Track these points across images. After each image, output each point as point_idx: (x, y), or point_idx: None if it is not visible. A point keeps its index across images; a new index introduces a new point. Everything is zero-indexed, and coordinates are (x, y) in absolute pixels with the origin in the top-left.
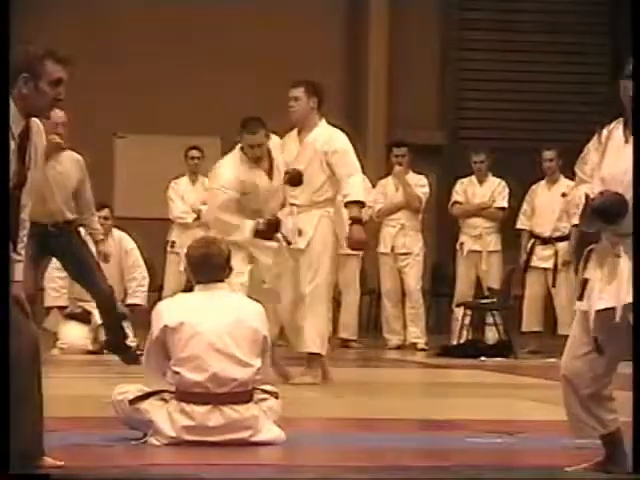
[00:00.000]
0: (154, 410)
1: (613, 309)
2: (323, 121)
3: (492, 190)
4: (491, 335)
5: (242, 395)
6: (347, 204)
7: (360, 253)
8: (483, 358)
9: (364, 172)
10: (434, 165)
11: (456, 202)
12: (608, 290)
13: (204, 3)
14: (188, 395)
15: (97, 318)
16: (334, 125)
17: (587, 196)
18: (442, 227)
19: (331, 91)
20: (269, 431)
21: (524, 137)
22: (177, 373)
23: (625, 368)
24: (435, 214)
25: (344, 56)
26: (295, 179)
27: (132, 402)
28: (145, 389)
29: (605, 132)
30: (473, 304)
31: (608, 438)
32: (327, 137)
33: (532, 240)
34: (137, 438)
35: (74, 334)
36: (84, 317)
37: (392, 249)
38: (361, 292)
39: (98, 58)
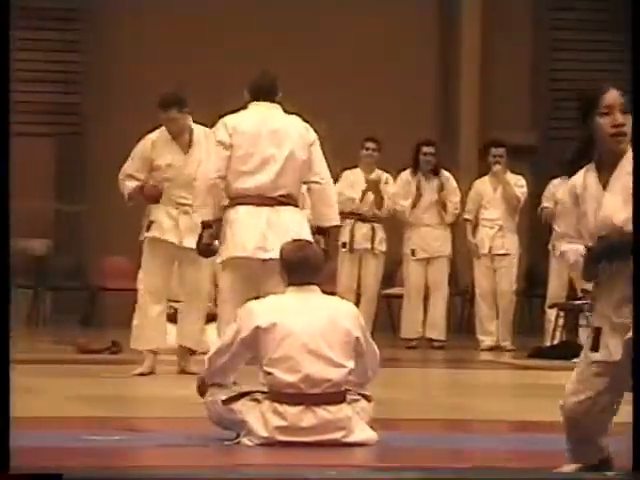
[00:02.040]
0: (247, 410)
1: None
2: None
3: None
4: (584, 337)
5: (335, 396)
6: None
7: (450, 254)
8: (576, 360)
9: (454, 173)
10: (527, 165)
11: (544, 207)
12: (621, 338)
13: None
14: (281, 395)
15: None
16: None
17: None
18: (534, 228)
19: (423, 93)
20: (362, 432)
21: None
22: (269, 374)
23: None
24: (527, 215)
25: (436, 56)
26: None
27: (225, 402)
28: (239, 389)
29: (578, 184)
30: (566, 305)
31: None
32: None
33: None
34: (230, 439)
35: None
36: (176, 317)
37: (490, 250)
38: (454, 293)
39: None
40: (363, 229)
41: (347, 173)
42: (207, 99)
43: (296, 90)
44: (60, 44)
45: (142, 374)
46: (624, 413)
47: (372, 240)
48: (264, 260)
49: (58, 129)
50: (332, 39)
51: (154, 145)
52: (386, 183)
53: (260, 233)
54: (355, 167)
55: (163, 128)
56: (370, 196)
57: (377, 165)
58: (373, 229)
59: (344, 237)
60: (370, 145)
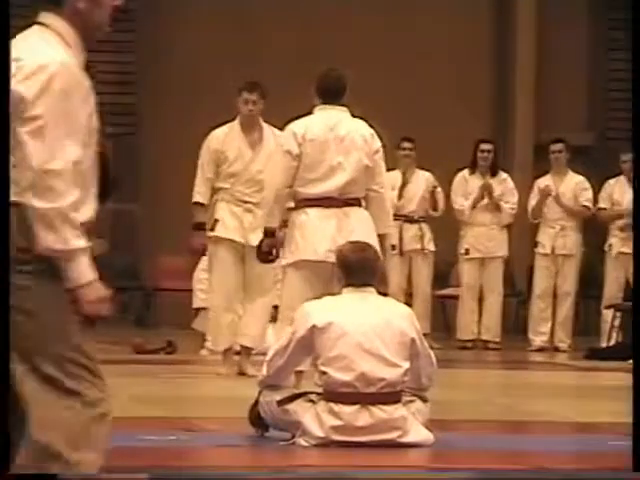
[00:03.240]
0: (302, 411)
1: None
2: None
3: None
4: None
5: (390, 396)
6: None
7: (505, 255)
8: (631, 361)
9: (512, 172)
10: (583, 166)
11: (600, 209)
12: None
13: (347, 4)
14: (336, 395)
15: None
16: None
17: None
18: (590, 228)
19: (478, 92)
20: (417, 432)
21: None
22: (324, 373)
23: None
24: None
25: (491, 57)
26: None
27: (280, 403)
28: (294, 390)
29: None
30: (623, 306)
31: None
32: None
33: None
34: (286, 439)
35: None
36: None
37: (552, 250)
38: (509, 294)
39: None
40: (411, 230)
41: (387, 175)
42: (272, 100)
43: (357, 90)
44: (115, 45)
45: (225, 374)
46: (624, 413)
47: (421, 240)
48: (333, 263)
49: (113, 129)
50: (390, 39)
51: (225, 137)
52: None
53: (330, 236)
54: (393, 169)
55: (234, 122)
56: (412, 196)
57: (416, 164)
58: (421, 229)
59: (393, 239)
60: (406, 145)
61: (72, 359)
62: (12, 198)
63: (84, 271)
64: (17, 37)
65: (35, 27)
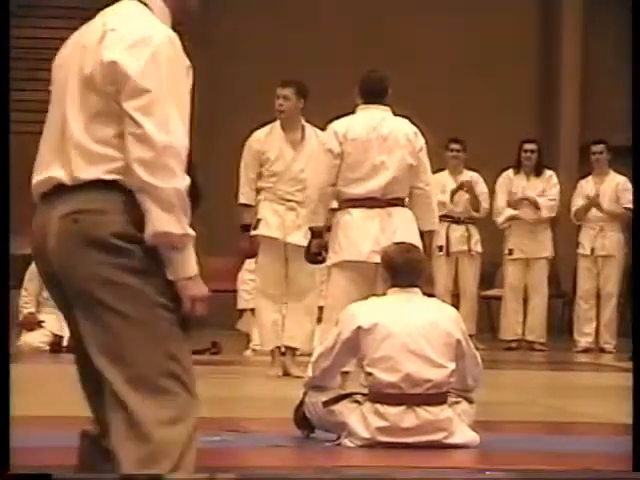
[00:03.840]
0: (348, 412)
1: None
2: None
3: None
4: None
5: (436, 397)
6: None
7: (550, 255)
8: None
9: (557, 172)
10: (628, 166)
11: None
12: None
13: (392, 4)
14: (382, 396)
15: None
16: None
17: None
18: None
19: (523, 92)
20: (463, 434)
21: None
22: (370, 374)
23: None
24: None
25: (538, 59)
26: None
27: (326, 404)
28: (339, 391)
29: None
30: None
31: None
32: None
33: None
34: (331, 439)
35: None
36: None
37: (592, 251)
38: (554, 294)
39: None
40: (458, 231)
41: (436, 177)
42: (314, 100)
43: (401, 91)
44: None
45: (274, 375)
46: (624, 413)
47: (468, 242)
48: (377, 264)
49: None
50: (439, 40)
51: (266, 137)
52: (476, 183)
53: (374, 237)
54: (442, 170)
55: (275, 122)
56: (461, 197)
57: (465, 165)
58: (468, 230)
59: (440, 240)
60: (455, 146)
61: (166, 369)
62: (106, 176)
63: (192, 262)
64: (106, 9)
65: (126, 1)
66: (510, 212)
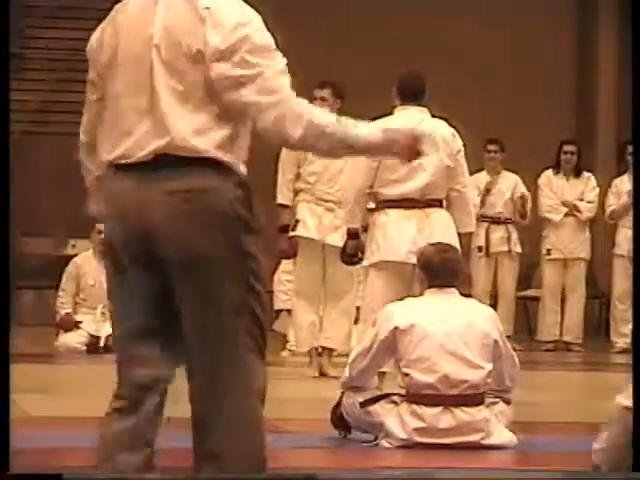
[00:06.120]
0: (385, 412)
1: None
2: None
3: None
4: None
5: (473, 397)
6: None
7: (588, 256)
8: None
9: (594, 172)
10: None
11: None
12: None
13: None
14: (419, 397)
15: None
16: None
17: None
18: None
19: (560, 90)
20: (500, 434)
21: None
22: (407, 375)
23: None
24: None
25: (575, 60)
26: None
27: (363, 405)
28: (376, 392)
29: None
30: None
31: None
32: None
33: None
34: (369, 440)
35: None
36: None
37: (628, 252)
38: (592, 295)
39: None
40: (498, 232)
41: (474, 177)
42: (351, 100)
43: (437, 92)
44: None
45: (313, 376)
46: None
47: (508, 242)
48: (414, 265)
49: None
50: (473, 40)
51: None
52: (517, 185)
53: (411, 237)
54: (481, 170)
55: None
56: (497, 199)
57: (503, 166)
58: (508, 231)
59: (479, 241)
60: (492, 147)
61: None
62: (217, 154)
63: None
64: None
65: None
66: (564, 209)
